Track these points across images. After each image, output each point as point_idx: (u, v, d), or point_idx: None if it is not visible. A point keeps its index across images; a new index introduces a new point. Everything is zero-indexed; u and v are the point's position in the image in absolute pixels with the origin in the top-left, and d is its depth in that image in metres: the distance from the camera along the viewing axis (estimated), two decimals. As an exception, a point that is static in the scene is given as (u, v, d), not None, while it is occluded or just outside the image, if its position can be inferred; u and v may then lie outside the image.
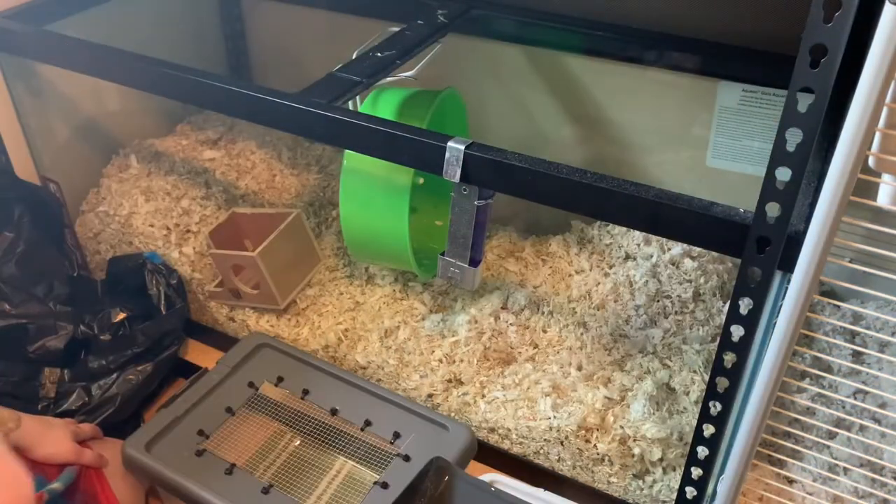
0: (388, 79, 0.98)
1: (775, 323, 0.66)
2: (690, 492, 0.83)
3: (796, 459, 0.94)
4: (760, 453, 0.76)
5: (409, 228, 1.03)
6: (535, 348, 1.10)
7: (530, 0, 1.18)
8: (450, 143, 0.77)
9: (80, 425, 0.95)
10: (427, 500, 0.82)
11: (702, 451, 0.79)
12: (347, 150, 1.03)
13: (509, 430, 1.01)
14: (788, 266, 0.63)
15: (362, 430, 0.96)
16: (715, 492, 0.81)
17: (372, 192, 1.04)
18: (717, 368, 0.72)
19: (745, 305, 0.68)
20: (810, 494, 0.92)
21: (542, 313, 1.14)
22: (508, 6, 1.19)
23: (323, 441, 0.95)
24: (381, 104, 1.08)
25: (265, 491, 0.88)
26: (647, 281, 1.15)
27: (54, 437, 0.88)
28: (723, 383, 0.73)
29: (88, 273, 1.27)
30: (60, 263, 1.18)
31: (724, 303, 1.13)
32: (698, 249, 1.19)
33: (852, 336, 1.10)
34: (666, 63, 1.12)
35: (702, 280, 1.15)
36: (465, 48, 1.27)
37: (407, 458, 0.91)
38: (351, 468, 0.92)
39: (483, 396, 1.04)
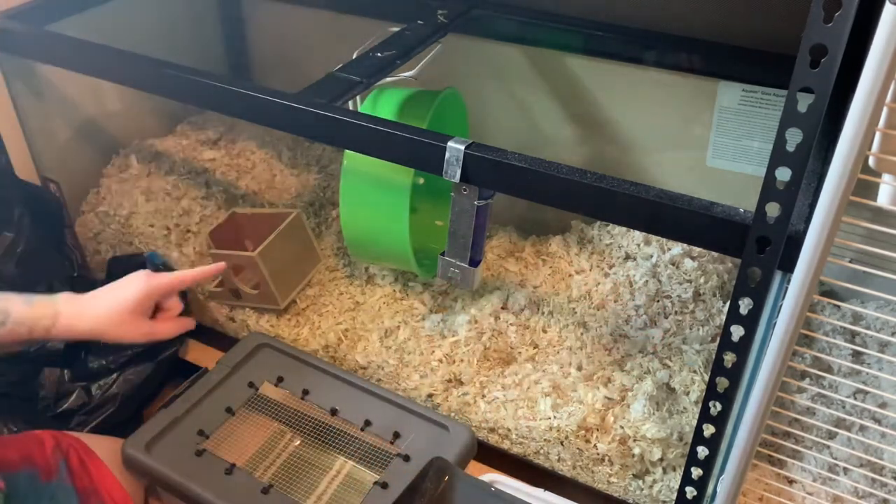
0: (388, 79, 0.98)
1: (775, 323, 0.66)
2: (690, 492, 0.83)
3: (796, 459, 0.94)
4: (760, 453, 0.76)
5: (410, 228, 1.03)
6: (535, 348, 1.10)
7: (530, 0, 1.18)
8: (450, 143, 0.77)
9: (159, 288, 0.88)
10: (427, 500, 0.82)
11: (702, 451, 0.79)
12: (347, 150, 1.03)
13: (509, 430, 1.01)
14: (788, 266, 0.63)
15: (362, 430, 0.96)
16: (715, 492, 0.81)
17: (372, 192, 1.04)
18: (717, 368, 0.72)
19: (745, 305, 0.68)
20: (810, 494, 0.92)
21: (542, 313, 1.14)
22: (508, 6, 1.19)
23: (323, 441, 0.95)
24: (381, 104, 1.08)
25: (265, 491, 0.88)
26: (647, 281, 1.15)
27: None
28: (723, 383, 0.73)
29: (88, 273, 1.27)
30: (60, 263, 1.18)
31: (724, 303, 1.13)
32: (698, 249, 1.19)
33: (852, 336, 1.10)
34: (666, 63, 1.12)
35: (702, 280, 1.15)
36: (465, 48, 1.27)
37: (407, 458, 0.91)
38: (351, 468, 0.92)
39: (483, 396, 1.04)
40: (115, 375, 1.07)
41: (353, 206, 1.06)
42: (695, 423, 0.77)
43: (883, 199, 0.66)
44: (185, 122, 1.51)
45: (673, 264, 1.18)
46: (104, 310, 0.84)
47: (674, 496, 0.86)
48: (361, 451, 0.93)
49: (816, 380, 1.04)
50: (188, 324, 0.92)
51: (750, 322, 0.68)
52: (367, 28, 1.10)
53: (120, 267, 1.19)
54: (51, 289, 1.13)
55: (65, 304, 0.84)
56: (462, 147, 0.77)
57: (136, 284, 0.87)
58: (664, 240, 1.21)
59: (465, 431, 0.95)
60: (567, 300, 1.16)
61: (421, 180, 1.31)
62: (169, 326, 0.90)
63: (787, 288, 0.64)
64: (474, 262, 0.88)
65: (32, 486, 0.84)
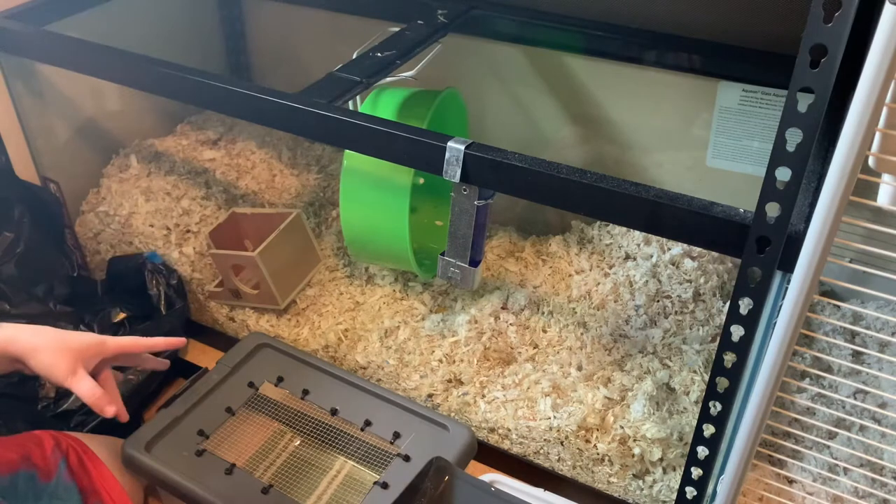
0: (388, 79, 0.98)
1: (775, 323, 0.66)
2: (690, 492, 0.83)
3: (796, 459, 0.94)
4: (760, 453, 0.76)
5: (409, 228, 1.03)
6: (535, 348, 1.10)
7: (530, 0, 1.19)
8: (450, 143, 0.77)
9: (108, 346, 0.82)
10: (427, 500, 0.82)
11: (702, 451, 0.79)
12: (347, 150, 1.03)
13: (509, 430, 1.01)
14: (788, 266, 0.63)
15: (362, 430, 0.96)
16: (715, 492, 0.81)
17: (372, 192, 1.04)
18: (717, 368, 0.72)
19: (745, 305, 0.68)
20: (810, 494, 0.92)
21: (542, 313, 1.14)
22: (508, 6, 1.19)
23: (323, 441, 0.95)
24: (381, 104, 1.08)
25: (265, 491, 0.88)
26: (647, 281, 1.15)
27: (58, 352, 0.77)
28: (723, 383, 0.73)
29: (88, 273, 1.27)
30: (60, 263, 1.18)
31: (724, 303, 1.13)
32: (698, 249, 1.19)
33: (852, 336, 1.10)
34: (666, 63, 1.12)
35: (702, 280, 1.15)
36: (465, 48, 1.27)
37: (407, 458, 0.91)
38: (351, 468, 0.92)
39: (483, 396, 1.04)
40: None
41: (353, 206, 1.06)
42: (695, 423, 0.77)
43: (883, 199, 0.66)
44: (185, 122, 1.51)
45: (673, 264, 1.18)
46: (48, 329, 0.80)
47: (674, 496, 0.86)
48: (361, 451, 0.93)
49: (816, 380, 1.04)
50: (103, 399, 0.80)
51: (750, 322, 0.68)
52: (367, 28, 1.10)
53: (120, 267, 1.20)
54: (51, 289, 1.13)
55: (7, 325, 0.79)
56: (462, 147, 0.77)
57: (90, 334, 0.83)
58: (664, 240, 1.21)
59: (465, 431, 0.95)
60: (567, 300, 1.16)
61: (421, 180, 1.31)
62: (92, 385, 0.79)
63: (787, 288, 0.64)
64: (474, 262, 0.88)
65: (32, 487, 0.84)
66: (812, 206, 0.60)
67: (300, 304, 1.21)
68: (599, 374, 1.05)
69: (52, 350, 0.78)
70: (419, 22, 1.09)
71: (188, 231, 1.28)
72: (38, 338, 0.78)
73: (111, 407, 0.80)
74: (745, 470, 0.75)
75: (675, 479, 0.95)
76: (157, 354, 0.91)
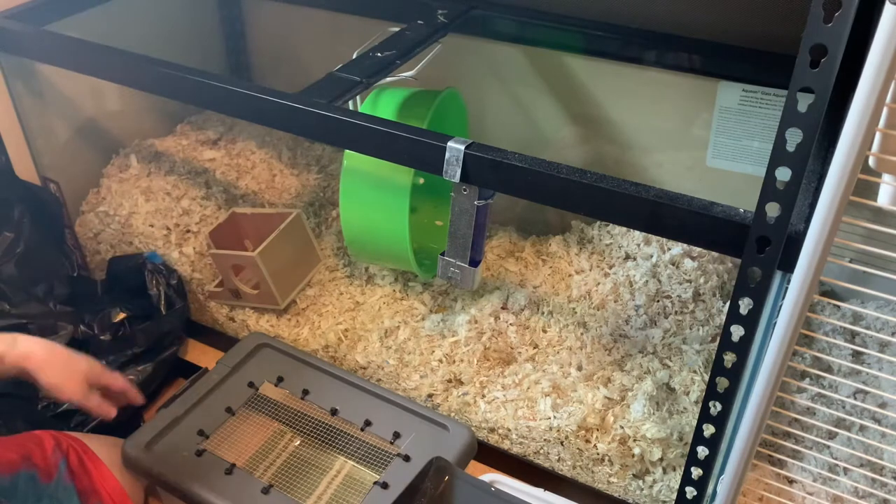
0: (388, 79, 0.98)
1: (775, 323, 0.66)
2: (690, 492, 0.83)
3: (796, 459, 0.94)
4: (760, 453, 0.76)
5: (409, 228, 1.03)
6: (535, 348, 1.10)
7: (530, 0, 1.19)
8: (450, 143, 0.77)
9: (106, 374, 0.90)
10: (427, 500, 0.82)
11: (702, 451, 0.79)
12: (347, 150, 1.03)
13: (509, 430, 1.01)
14: (788, 266, 0.63)
15: (362, 430, 0.96)
16: (715, 492, 0.81)
17: (372, 192, 1.04)
18: (717, 368, 0.72)
19: (745, 305, 0.68)
20: (810, 494, 0.92)
21: (542, 313, 1.14)
22: (508, 6, 1.19)
23: (323, 441, 0.95)
24: (381, 104, 1.08)
25: (265, 491, 0.88)
26: (647, 281, 1.15)
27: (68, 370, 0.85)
28: (723, 383, 0.73)
29: (88, 273, 1.27)
30: (60, 263, 1.19)
31: (724, 303, 1.13)
32: (698, 249, 1.19)
33: (852, 336, 1.10)
34: (666, 63, 1.12)
35: (702, 280, 1.15)
36: (465, 48, 1.27)
37: (407, 458, 0.91)
38: (351, 468, 0.92)
39: (483, 396, 1.04)
40: (115, 375, 1.07)
41: (353, 206, 1.06)
42: (695, 423, 0.77)
43: (883, 199, 0.66)
44: (185, 122, 1.51)
45: (673, 264, 1.18)
46: (60, 348, 0.87)
47: (674, 496, 0.86)
48: (361, 451, 0.93)
49: (816, 380, 1.04)
50: (104, 406, 0.89)
51: (750, 322, 0.68)
52: (367, 28, 1.10)
53: (120, 267, 1.19)
54: (51, 289, 1.13)
55: (22, 336, 0.85)
56: (462, 147, 0.77)
57: (91, 360, 0.90)
58: (664, 240, 1.21)
59: (465, 431, 0.95)
60: (567, 300, 1.16)
61: (421, 180, 1.31)
62: (99, 400, 0.88)
63: (787, 288, 0.64)
64: (474, 262, 0.88)
65: (32, 487, 0.84)
66: (812, 206, 0.60)
67: (300, 304, 1.21)
68: (599, 374, 1.05)
69: (61, 369, 0.85)
70: (419, 22, 1.09)
71: (188, 231, 1.28)
72: (51, 357, 0.85)
73: (112, 409, 0.89)
74: (745, 470, 0.75)
75: (675, 479, 0.95)
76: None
